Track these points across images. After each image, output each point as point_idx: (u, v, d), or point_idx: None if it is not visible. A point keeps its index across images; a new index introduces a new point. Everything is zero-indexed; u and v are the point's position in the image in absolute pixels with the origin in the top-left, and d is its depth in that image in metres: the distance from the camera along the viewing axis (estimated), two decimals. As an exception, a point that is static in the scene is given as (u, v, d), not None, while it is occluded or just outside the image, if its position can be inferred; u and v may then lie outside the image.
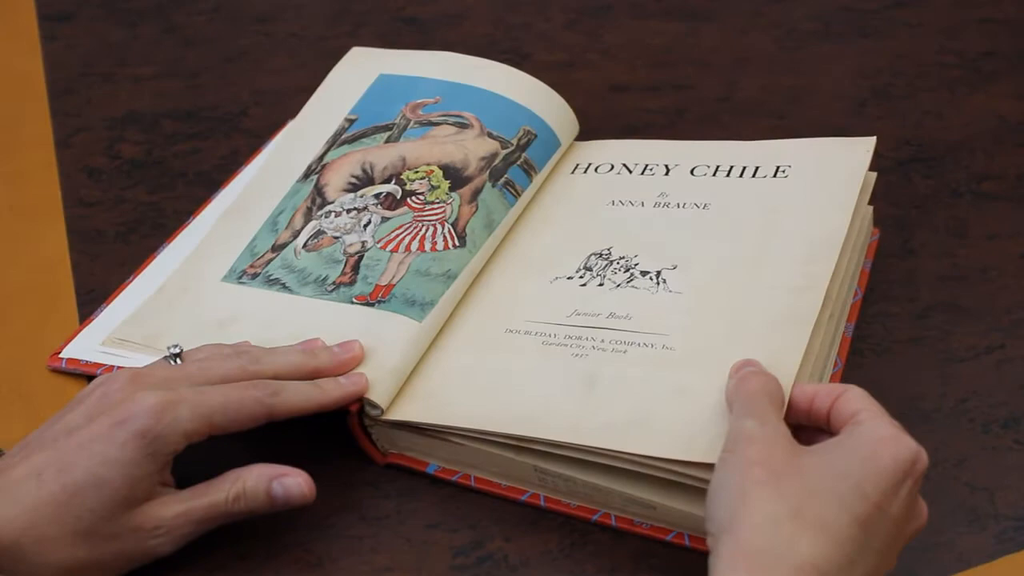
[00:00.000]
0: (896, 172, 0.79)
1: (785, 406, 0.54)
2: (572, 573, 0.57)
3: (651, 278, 0.64)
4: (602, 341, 0.61)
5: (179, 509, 0.54)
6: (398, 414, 0.60)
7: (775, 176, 0.69)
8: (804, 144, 0.71)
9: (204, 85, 0.91)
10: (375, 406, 0.60)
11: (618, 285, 0.64)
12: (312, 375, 0.60)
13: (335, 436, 0.61)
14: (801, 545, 0.47)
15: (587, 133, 0.77)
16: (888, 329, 0.68)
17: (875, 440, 0.50)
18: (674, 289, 0.64)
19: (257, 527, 0.60)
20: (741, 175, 0.70)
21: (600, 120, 0.79)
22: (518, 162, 0.72)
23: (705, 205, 0.68)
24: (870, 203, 0.70)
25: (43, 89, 0.91)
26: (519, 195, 0.71)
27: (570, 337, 0.62)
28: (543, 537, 0.59)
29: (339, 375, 0.60)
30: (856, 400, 0.53)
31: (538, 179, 0.73)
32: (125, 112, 0.88)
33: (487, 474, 0.60)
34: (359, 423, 0.61)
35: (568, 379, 0.60)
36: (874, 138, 0.69)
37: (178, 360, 0.59)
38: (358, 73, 0.79)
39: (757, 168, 0.70)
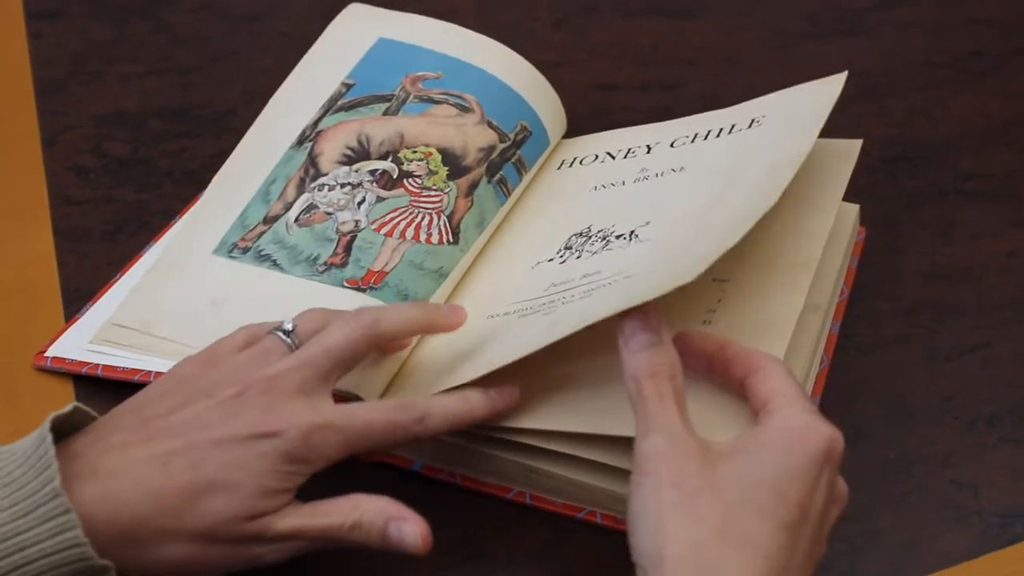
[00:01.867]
0: (883, 171, 0.79)
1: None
2: (558, 571, 0.57)
3: (624, 238, 0.64)
4: (572, 296, 0.60)
5: (296, 524, 0.52)
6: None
7: (749, 127, 0.69)
8: (780, 94, 0.71)
9: (193, 84, 0.91)
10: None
11: (594, 253, 0.64)
12: (428, 327, 0.59)
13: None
14: (731, 568, 0.45)
15: (574, 132, 0.78)
16: (874, 327, 0.68)
17: (787, 435, 0.48)
18: (644, 239, 0.63)
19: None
20: (719, 135, 0.70)
21: (587, 119, 0.79)
22: (512, 159, 0.72)
23: (681, 168, 0.68)
24: (857, 202, 0.70)
25: (30, 87, 0.90)
26: (509, 195, 0.71)
27: (544, 304, 0.61)
28: (529, 535, 0.59)
29: (453, 327, 0.59)
30: (771, 380, 0.51)
31: (527, 178, 0.73)
32: (113, 110, 0.88)
33: (473, 472, 0.60)
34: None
35: (534, 334, 0.59)
36: (845, 73, 0.68)
37: (293, 338, 0.56)
38: (356, 33, 0.77)
39: (733, 126, 0.70)
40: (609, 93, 0.87)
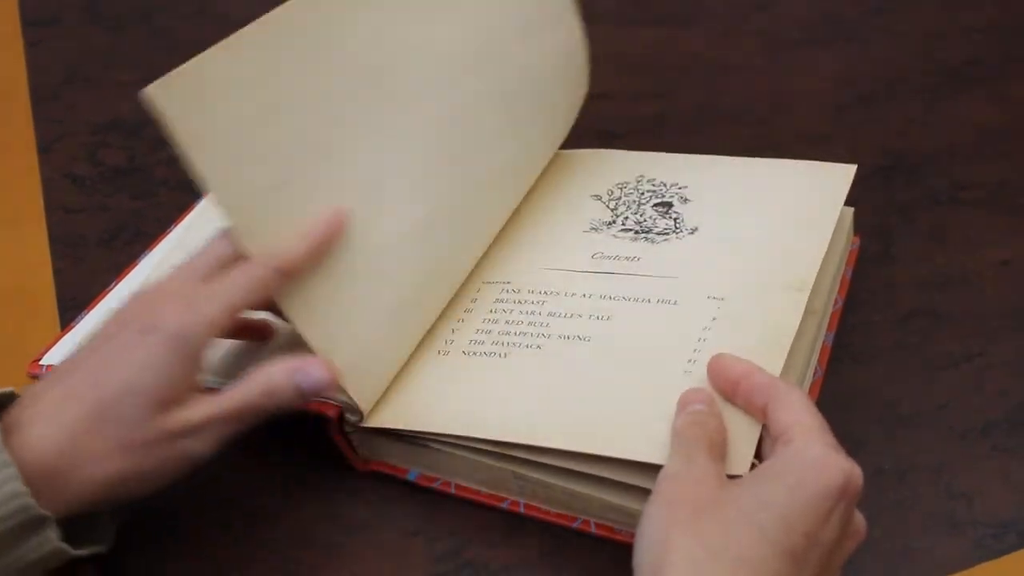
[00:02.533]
0: (877, 179, 0.79)
1: (726, 449, 0.53)
2: (552, 580, 0.57)
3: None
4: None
5: (211, 409, 0.54)
6: (378, 421, 0.60)
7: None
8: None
9: (188, 91, 0.91)
10: (355, 412, 0.60)
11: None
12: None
13: (315, 444, 0.61)
14: None
15: (569, 140, 0.78)
16: (868, 336, 0.68)
17: (801, 466, 0.49)
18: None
19: (235, 533, 0.60)
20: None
21: (581, 127, 0.79)
22: None
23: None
24: (851, 206, 0.70)
25: (26, 94, 0.91)
26: None
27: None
28: (523, 544, 0.59)
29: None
30: (791, 410, 0.51)
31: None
32: (109, 118, 0.88)
33: (467, 481, 0.60)
34: (339, 430, 0.61)
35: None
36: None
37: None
38: None
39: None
40: (603, 102, 0.87)
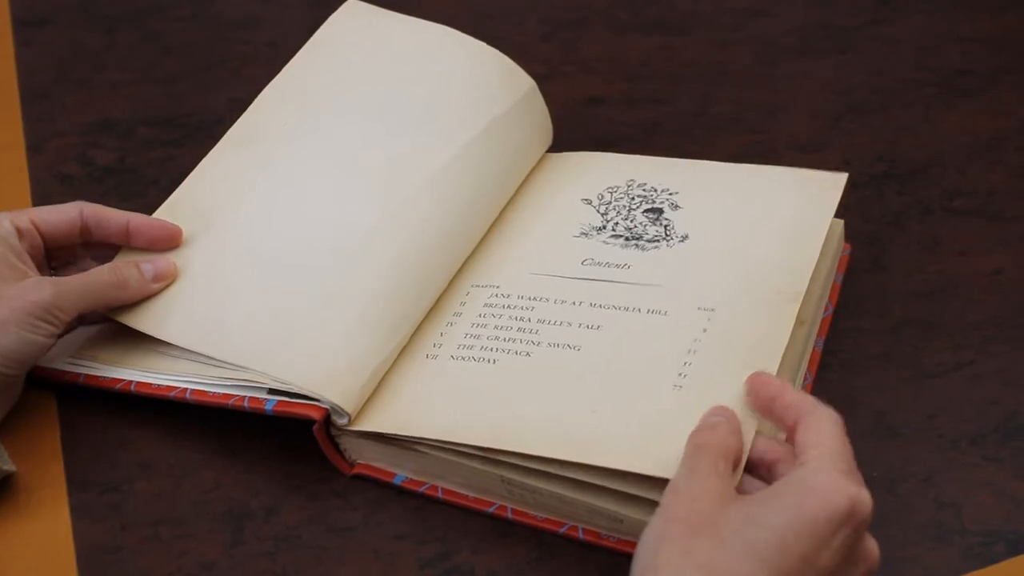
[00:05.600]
0: (869, 187, 0.79)
1: (739, 464, 0.53)
2: (539, 586, 0.57)
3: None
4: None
5: (56, 288, 0.61)
6: (365, 424, 0.60)
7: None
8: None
9: (180, 92, 0.90)
10: (342, 415, 0.59)
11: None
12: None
13: (302, 446, 0.61)
14: None
15: (561, 144, 0.77)
16: (858, 344, 0.68)
17: (805, 489, 0.48)
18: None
19: (221, 536, 0.59)
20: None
21: (575, 132, 0.79)
22: None
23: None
24: (843, 218, 0.70)
25: (16, 94, 0.90)
26: None
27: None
28: (510, 550, 0.58)
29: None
30: (812, 432, 0.51)
31: None
32: (99, 118, 0.88)
33: (455, 485, 0.60)
34: (325, 433, 0.60)
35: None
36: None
37: None
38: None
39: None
40: (597, 107, 0.87)
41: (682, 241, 0.67)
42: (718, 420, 0.54)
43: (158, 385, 0.63)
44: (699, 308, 0.62)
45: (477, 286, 0.67)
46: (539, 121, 0.76)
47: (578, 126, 0.81)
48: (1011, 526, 0.58)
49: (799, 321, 0.62)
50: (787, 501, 0.48)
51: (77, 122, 0.87)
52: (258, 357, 0.61)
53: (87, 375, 0.65)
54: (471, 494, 0.60)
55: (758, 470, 0.54)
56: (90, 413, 0.66)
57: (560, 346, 0.62)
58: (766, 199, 0.69)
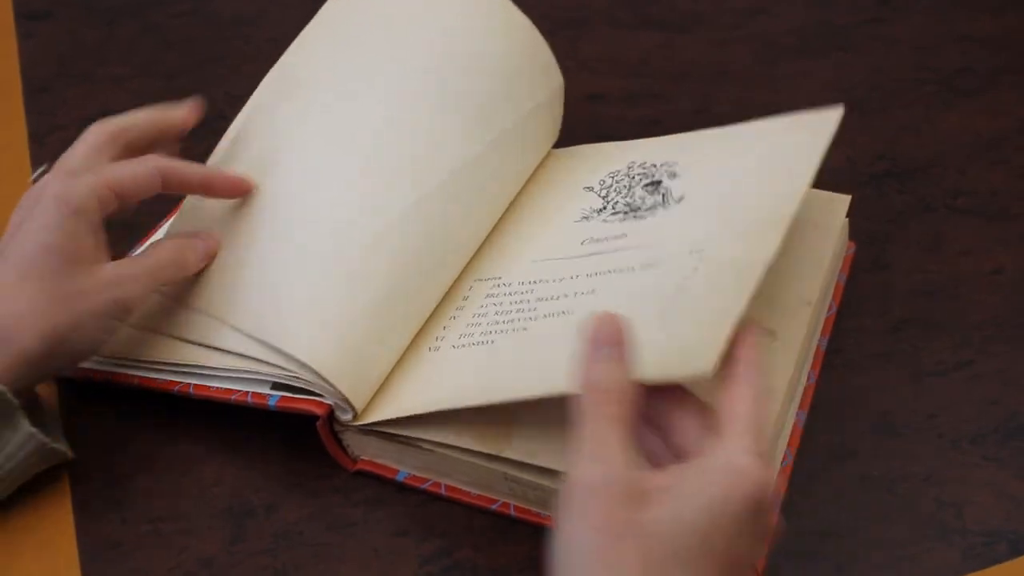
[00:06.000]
0: (871, 187, 0.79)
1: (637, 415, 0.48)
2: (540, 583, 0.57)
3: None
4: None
5: (123, 265, 0.61)
6: (369, 417, 0.60)
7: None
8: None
9: (181, 87, 0.90)
10: (347, 410, 0.59)
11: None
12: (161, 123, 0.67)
13: (303, 442, 0.61)
14: None
15: (562, 142, 0.77)
16: (860, 343, 0.68)
17: (727, 477, 0.45)
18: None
19: (222, 533, 0.59)
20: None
21: (575, 130, 0.79)
22: None
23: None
24: (846, 216, 0.70)
25: (18, 87, 0.90)
26: None
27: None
28: (512, 547, 0.58)
29: None
30: (736, 400, 0.48)
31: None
32: (101, 112, 0.86)
33: (457, 482, 0.60)
34: (329, 429, 0.60)
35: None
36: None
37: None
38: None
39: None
40: (598, 105, 0.87)
41: (678, 203, 0.65)
42: (609, 356, 0.48)
43: (161, 380, 0.63)
44: (691, 252, 0.59)
45: (479, 280, 0.66)
46: (558, 118, 0.76)
47: (578, 124, 0.81)
48: (1012, 526, 0.58)
49: (805, 302, 0.62)
50: (711, 493, 0.45)
51: (78, 116, 0.87)
52: (278, 335, 0.61)
53: (86, 369, 0.65)
54: (474, 491, 0.60)
55: (656, 421, 0.50)
56: (92, 407, 0.66)
57: (555, 315, 0.60)
58: (760, 147, 0.67)
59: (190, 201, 0.67)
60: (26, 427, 0.57)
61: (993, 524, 0.58)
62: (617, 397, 0.47)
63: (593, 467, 0.45)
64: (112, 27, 0.97)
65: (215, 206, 0.66)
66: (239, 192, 0.65)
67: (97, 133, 0.63)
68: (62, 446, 0.60)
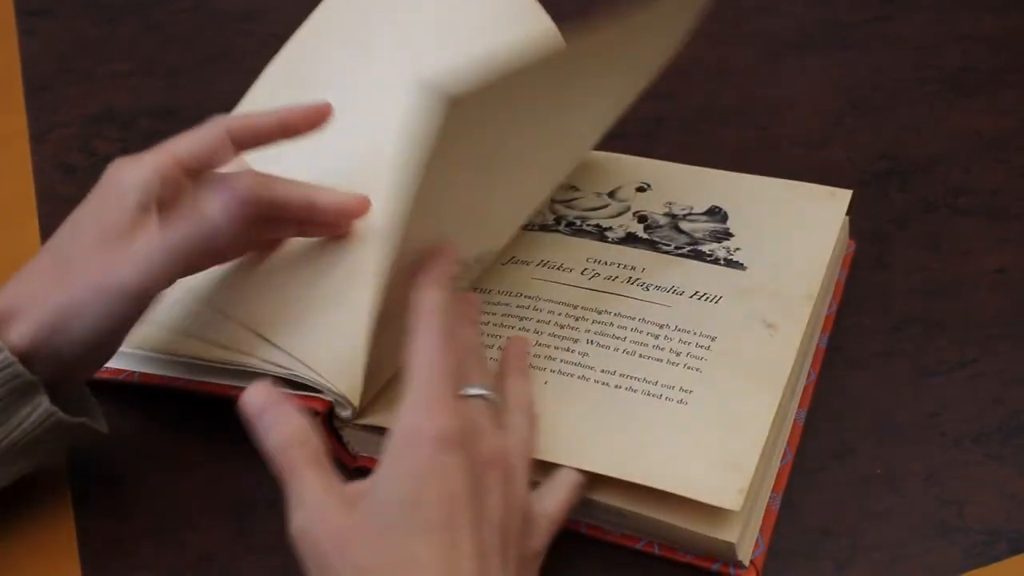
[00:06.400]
0: (872, 185, 0.79)
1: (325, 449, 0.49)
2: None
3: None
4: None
5: (154, 239, 0.55)
6: (369, 419, 0.60)
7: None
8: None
9: (183, 83, 0.90)
10: (346, 407, 0.59)
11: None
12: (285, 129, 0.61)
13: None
14: None
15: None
16: (861, 342, 0.68)
17: (397, 442, 0.47)
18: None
19: (223, 528, 0.59)
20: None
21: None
22: None
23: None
24: (847, 216, 0.70)
25: (19, 84, 0.90)
26: None
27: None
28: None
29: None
30: (414, 351, 0.49)
31: None
32: (102, 109, 0.88)
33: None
34: (328, 425, 0.60)
35: None
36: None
37: None
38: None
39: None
40: (601, 102, 0.87)
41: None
42: (274, 416, 0.49)
43: (161, 376, 0.63)
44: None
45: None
46: None
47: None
48: (1013, 525, 0.58)
49: (806, 296, 0.62)
50: (391, 466, 0.46)
51: (79, 113, 0.87)
52: (280, 333, 0.61)
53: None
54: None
55: None
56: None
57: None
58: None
59: None
60: (45, 403, 0.54)
61: (995, 523, 0.58)
62: (297, 441, 0.49)
63: (300, 514, 0.47)
64: (113, 24, 0.97)
65: None
66: (323, 118, 0.60)
67: (213, 125, 0.59)
68: (99, 424, 0.58)
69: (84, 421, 0.57)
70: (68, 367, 0.55)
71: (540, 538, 0.52)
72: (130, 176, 0.56)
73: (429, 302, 0.50)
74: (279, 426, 0.49)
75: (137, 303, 0.55)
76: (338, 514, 0.46)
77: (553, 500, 0.53)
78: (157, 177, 0.56)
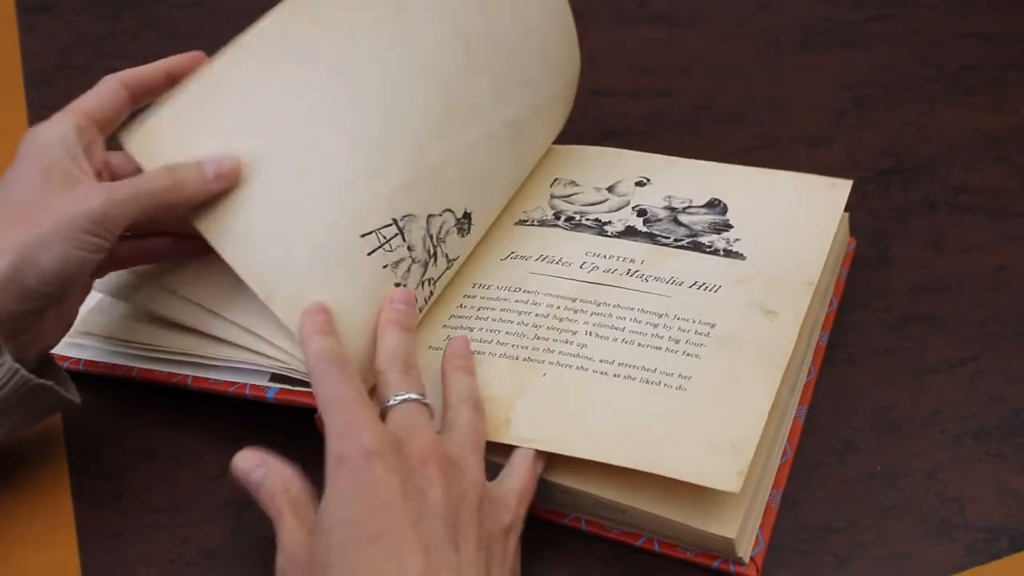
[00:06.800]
0: (874, 183, 0.79)
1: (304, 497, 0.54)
2: (541, 576, 0.57)
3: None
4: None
5: (107, 196, 0.56)
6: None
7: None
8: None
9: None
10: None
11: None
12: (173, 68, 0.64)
13: (303, 435, 0.61)
14: None
15: (567, 136, 0.77)
16: (862, 339, 0.68)
17: (329, 468, 0.51)
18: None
19: (223, 524, 0.59)
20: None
21: (580, 124, 0.79)
22: None
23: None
24: (848, 213, 0.70)
25: (20, 80, 0.90)
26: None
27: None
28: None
29: None
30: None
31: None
32: (102, 105, 0.87)
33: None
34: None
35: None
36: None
37: None
38: None
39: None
40: (602, 99, 0.87)
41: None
42: (260, 472, 0.54)
43: (160, 372, 0.63)
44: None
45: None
46: (567, 113, 0.76)
47: (582, 117, 0.81)
48: (1013, 522, 0.58)
49: (807, 283, 0.62)
50: (330, 493, 0.50)
51: (80, 108, 0.87)
52: (271, 327, 0.60)
53: (87, 360, 0.65)
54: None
55: None
56: (92, 399, 0.65)
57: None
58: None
59: None
60: (8, 362, 0.55)
61: (995, 520, 0.58)
62: (280, 489, 0.53)
63: (280, 557, 0.51)
64: (114, 20, 0.97)
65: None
66: (199, 60, 0.63)
67: (108, 79, 0.63)
68: (71, 394, 0.59)
69: (51, 384, 0.57)
70: (36, 311, 0.56)
71: (509, 513, 0.53)
72: (48, 133, 0.58)
73: (314, 355, 0.55)
74: (268, 477, 0.54)
75: (104, 231, 0.56)
76: (304, 551, 0.50)
77: (514, 477, 0.55)
78: (74, 130, 0.59)
